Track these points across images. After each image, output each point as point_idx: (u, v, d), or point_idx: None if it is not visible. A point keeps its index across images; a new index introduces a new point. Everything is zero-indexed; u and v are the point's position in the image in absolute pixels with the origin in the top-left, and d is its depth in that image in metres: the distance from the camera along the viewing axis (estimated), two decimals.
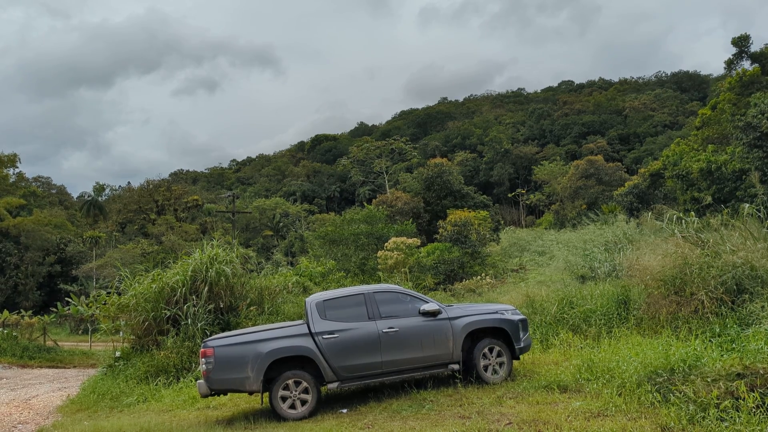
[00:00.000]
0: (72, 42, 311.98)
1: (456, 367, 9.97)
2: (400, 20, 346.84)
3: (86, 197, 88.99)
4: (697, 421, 6.43)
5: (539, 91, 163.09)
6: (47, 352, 28.05)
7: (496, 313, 10.50)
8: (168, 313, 15.15)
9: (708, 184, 32.77)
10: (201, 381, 9.70)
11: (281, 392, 9.35)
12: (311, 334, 9.62)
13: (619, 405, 7.43)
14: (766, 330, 9.29)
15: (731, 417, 6.27)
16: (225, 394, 10.27)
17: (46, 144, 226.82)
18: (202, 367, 9.55)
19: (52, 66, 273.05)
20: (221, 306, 15.58)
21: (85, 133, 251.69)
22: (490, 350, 10.15)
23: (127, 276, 17.30)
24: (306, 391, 9.40)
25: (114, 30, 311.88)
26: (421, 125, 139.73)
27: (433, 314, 10.02)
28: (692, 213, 16.68)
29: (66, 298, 48.15)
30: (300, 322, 10.26)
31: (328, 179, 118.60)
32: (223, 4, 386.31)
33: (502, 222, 64.53)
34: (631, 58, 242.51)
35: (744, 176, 30.94)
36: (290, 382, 9.37)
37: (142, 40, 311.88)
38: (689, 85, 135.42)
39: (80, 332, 41.62)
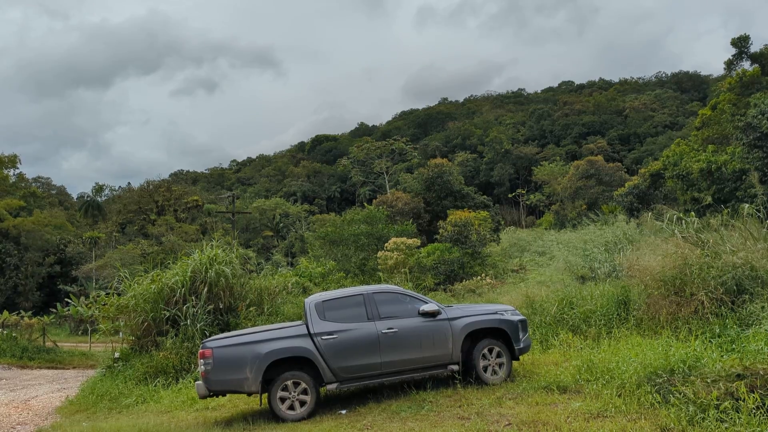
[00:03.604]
0: (71, 42, 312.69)
1: (455, 367, 9.94)
2: (396, 21, 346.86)
3: (86, 198, 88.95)
4: (697, 422, 6.41)
5: (539, 91, 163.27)
6: (47, 352, 28.04)
7: (496, 313, 10.48)
8: (167, 314, 15.12)
9: (708, 184, 32.73)
10: (200, 382, 9.67)
11: (280, 393, 9.33)
12: (310, 335, 9.60)
13: (619, 406, 7.42)
14: (766, 330, 9.27)
15: (731, 418, 6.24)
16: (224, 395, 10.25)
17: (46, 144, 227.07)
18: (201, 368, 9.53)
19: (51, 66, 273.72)
20: (221, 307, 15.55)
21: (85, 133, 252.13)
22: (490, 351, 10.13)
23: (126, 277, 17.27)
24: (305, 392, 9.38)
25: (113, 30, 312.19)
26: (421, 125, 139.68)
27: (432, 315, 10.00)
28: (692, 213, 16.66)
29: (66, 299, 48.10)
30: (299, 322, 10.24)
31: (328, 180, 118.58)
32: (223, 6, 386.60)
33: (503, 222, 64.43)
34: (631, 58, 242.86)
35: (744, 176, 30.90)
36: (289, 383, 9.35)
37: (142, 40, 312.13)
38: (689, 86, 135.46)
39: (80, 333, 41.65)
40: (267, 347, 9.42)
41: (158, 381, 13.92)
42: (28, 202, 68.65)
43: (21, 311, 42.00)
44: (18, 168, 64.36)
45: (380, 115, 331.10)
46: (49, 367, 25.51)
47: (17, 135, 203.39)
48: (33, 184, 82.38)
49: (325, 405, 9.95)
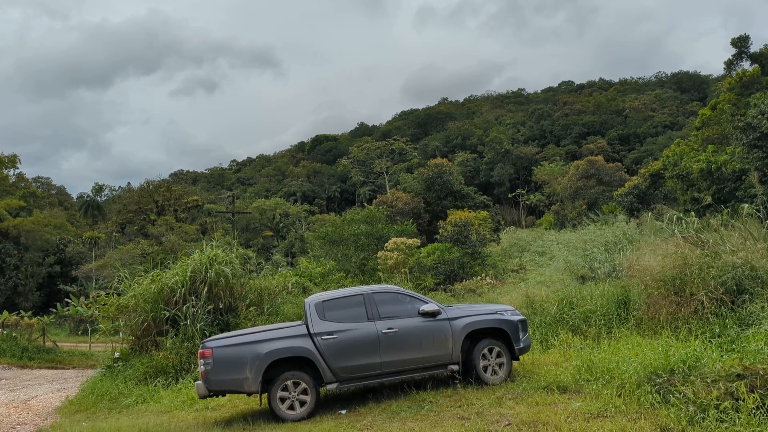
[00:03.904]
0: (71, 42, 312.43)
1: (455, 367, 9.94)
2: (396, 21, 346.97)
3: (86, 198, 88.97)
4: (697, 422, 6.41)
5: (539, 91, 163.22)
6: (46, 352, 28.05)
7: (496, 313, 10.48)
8: (167, 314, 15.12)
9: (708, 184, 32.73)
10: (199, 382, 9.67)
11: (280, 393, 9.32)
12: (310, 335, 9.60)
13: (619, 406, 7.41)
14: (766, 330, 9.27)
15: (731, 418, 6.24)
16: (224, 395, 10.23)
17: (46, 144, 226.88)
18: (201, 368, 9.53)
19: (51, 66, 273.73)
20: (221, 307, 15.56)
21: (85, 133, 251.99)
22: (490, 351, 10.13)
23: (126, 276, 17.27)
24: (305, 392, 9.37)
25: (113, 30, 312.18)
26: (421, 125, 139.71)
27: (432, 315, 10.00)
28: (692, 213, 16.67)
29: (65, 299, 48.11)
30: (299, 322, 10.24)
31: (328, 179, 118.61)
32: (223, 6, 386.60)
33: (503, 222, 64.51)
34: (631, 58, 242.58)
35: (744, 176, 30.89)
36: (289, 383, 9.35)
37: (141, 40, 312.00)
38: (689, 86, 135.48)
39: (80, 333, 41.67)
40: (267, 347, 9.42)
41: (158, 381, 13.91)
42: (28, 202, 68.70)
43: (21, 311, 42.01)
44: (18, 168, 64.58)
45: (380, 115, 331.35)
46: (49, 367, 25.50)
47: (17, 135, 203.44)
48: (33, 184, 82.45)
49: (325, 405, 9.95)
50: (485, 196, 66.98)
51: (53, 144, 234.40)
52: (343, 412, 9.37)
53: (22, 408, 14.09)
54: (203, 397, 9.97)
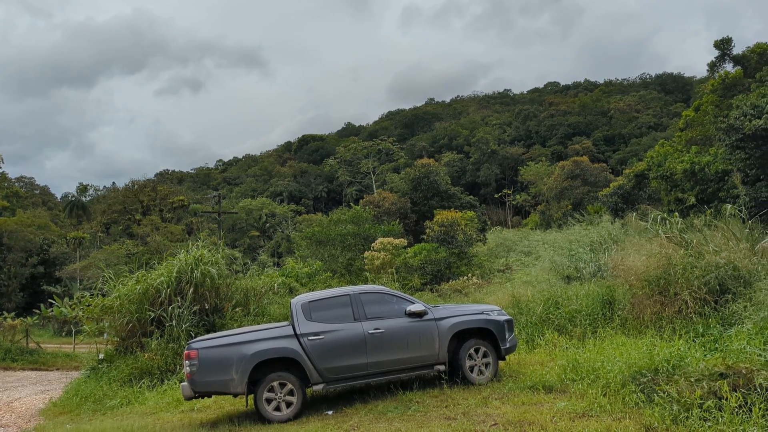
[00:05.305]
0: (55, 40, 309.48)
1: (442, 368, 9.96)
2: (383, 21, 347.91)
3: (70, 198, 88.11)
4: (681, 421, 6.47)
5: (525, 92, 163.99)
6: (30, 354, 27.73)
7: (482, 313, 10.51)
8: (152, 315, 15.04)
9: (691, 185, 33.02)
10: (185, 383, 9.61)
11: (266, 394, 9.28)
12: (296, 336, 9.57)
13: (604, 405, 7.47)
14: (748, 330, 9.39)
15: (714, 417, 6.31)
16: (209, 396, 10.17)
17: (29, 144, 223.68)
18: (186, 369, 9.47)
19: (34, 65, 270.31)
20: (206, 307, 15.48)
21: (69, 132, 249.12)
22: (476, 351, 10.16)
23: (111, 277, 17.13)
24: (291, 393, 9.35)
25: (98, 29, 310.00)
26: (408, 126, 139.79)
27: (419, 315, 10.01)
28: (676, 214, 16.85)
29: (49, 300, 47.53)
30: (285, 323, 10.21)
31: (315, 179, 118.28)
32: (210, 5, 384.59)
33: (489, 222, 64.62)
34: (616, 59, 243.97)
35: (726, 177, 31.20)
36: (275, 383, 9.31)
37: (127, 39, 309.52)
38: (673, 87, 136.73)
39: (64, 334, 41.24)
40: (253, 348, 9.38)
41: (143, 382, 13.82)
42: (11, 202, 67.93)
43: (4, 312, 41.36)
44: (0, 167, 63.72)
45: (367, 115, 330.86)
46: (32, 369, 25.23)
47: None
48: (16, 184, 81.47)
49: (311, 406, 9.92)
50: (471, 197, 67.23)
51: (36, 143, 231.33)
52: (330, 412, 9.35)
53: (5, 410, 13.93)
54: (189, 399, 9.92)
